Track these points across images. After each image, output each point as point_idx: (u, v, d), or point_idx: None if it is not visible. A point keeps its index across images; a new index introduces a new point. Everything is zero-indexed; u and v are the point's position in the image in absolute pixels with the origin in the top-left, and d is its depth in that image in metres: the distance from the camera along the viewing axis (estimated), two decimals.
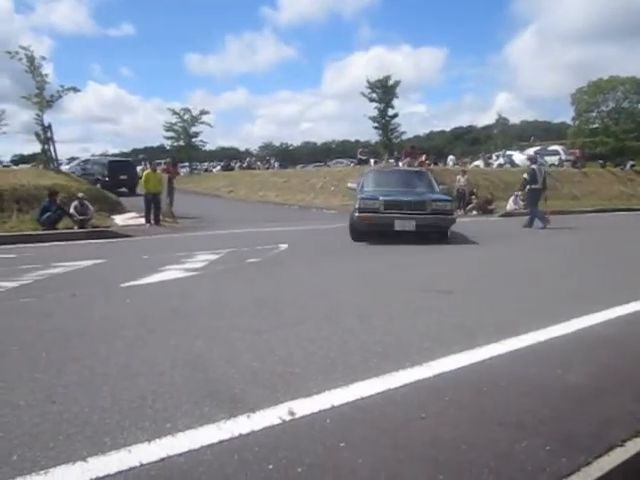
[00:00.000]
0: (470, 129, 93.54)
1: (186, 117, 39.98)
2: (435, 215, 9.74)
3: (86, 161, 28.81)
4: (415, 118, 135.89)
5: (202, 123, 40.33)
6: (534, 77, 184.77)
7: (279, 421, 2.30)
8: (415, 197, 10.28)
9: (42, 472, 1.89)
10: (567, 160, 31.93)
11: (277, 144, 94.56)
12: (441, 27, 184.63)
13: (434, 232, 10.03)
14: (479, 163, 34.84)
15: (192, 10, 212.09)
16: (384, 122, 29.61)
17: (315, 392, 2.62)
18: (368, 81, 29.13)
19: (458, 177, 20.08)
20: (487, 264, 7.65)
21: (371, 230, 10.03)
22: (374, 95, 29.30)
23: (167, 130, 40.71)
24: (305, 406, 2.45)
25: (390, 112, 29.65)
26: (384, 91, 29.09)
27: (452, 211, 10.33)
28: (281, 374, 2.91)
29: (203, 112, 40.19)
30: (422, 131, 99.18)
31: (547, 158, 31.51)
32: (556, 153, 33.51)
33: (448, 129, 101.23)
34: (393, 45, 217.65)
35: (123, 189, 24.27)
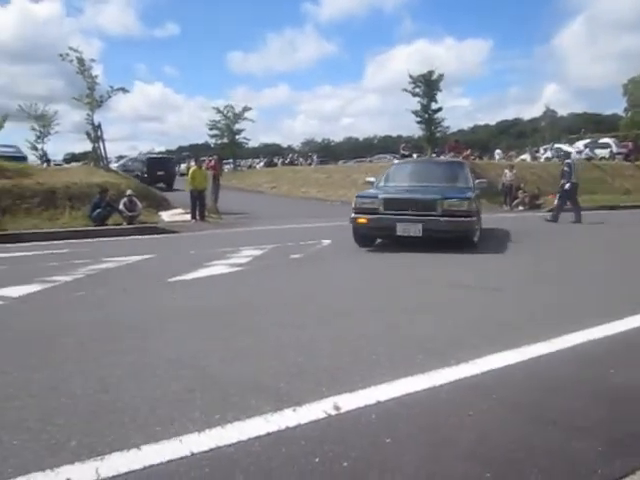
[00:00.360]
0: (516, 122, 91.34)
1: (229, 114, 40.44)
2: (447, 217, 7.71)
3: (121, 157, 29.83)
4: (459, 112, 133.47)
5: (245, 119, 40.71)
6: (583, 68, 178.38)
7: (325, 415, 2.32)
8: (424, 194, 8.28)
9: (99, 458, 1.96)
10: (619, 153, 30.76)
11: (319, 140, 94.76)
12: (485, 18, 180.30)
13: (447, 239, 7.95)
14: (526, 157, 34.00)
15: (234, 8, 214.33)
16: (427, 116, 29.18)
17: (360, 387, 2.62)
18: (411, 76, 28.74)
19: (505, 171, 19.66)
20: (534, 261, 7.47)
21: (371, 234, 8.49)
22: (417, 90, 28.92)
23: (211, 128, 41.30)
24: (350, 401, 2.46)
25: (433, 106, 29.20)
26: (427, 85, 28.63)
27: (471, 212, 7.87)
28: (326, 369, 2.93)
29: (246, 109, 40.56)
30: (466, 125, 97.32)
31: (597, 151, 30.47)
32: (607, 146, 32.34)
33: (493, 122, 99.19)
34: (436, 38, 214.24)
35: (161, 184, 24.99)
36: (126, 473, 1.86)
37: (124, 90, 19.15)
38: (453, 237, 7.95)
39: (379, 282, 5.74)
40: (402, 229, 7.85)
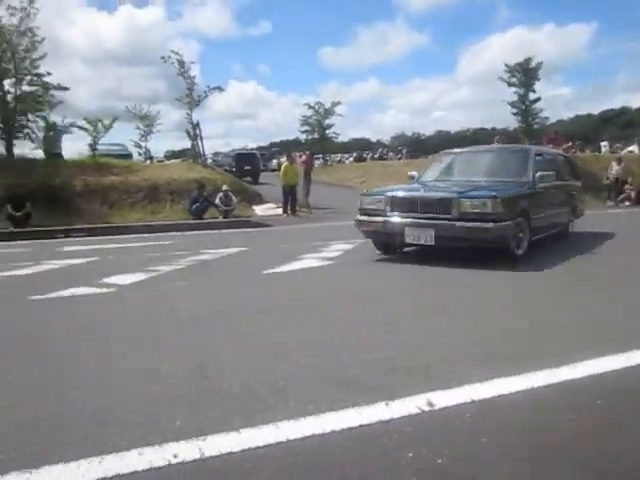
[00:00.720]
0: (623, 111, 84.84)
1: (320, 110, 40.85)
2: (464, 222, 6.04)
3: (216, 154, 31.25)
4: (558, 101, 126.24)
5: (334, 115, 40.96)
6: None
7: (418, 411, 2.31)
8: (439, 191, 6.82)
9: (201, 438, 2.08)
10: None
11: (409, 134, 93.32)
12: (588, 1, 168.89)
13: (467, 248, 6.41)
14: (633, 148, 31.53)
15: (326, 3, 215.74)
16: (524, 107, 27.87)
17: (454, 385, 2.58)
18: (506, 65, 27.56)
19: (612, 164, 18.40)
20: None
21: (381, 241, 7.09)
22: (513, 79, 27.68)
23: (302, 124, 41.94)
24: (444, 398, 2.43)
25: (531, 96, 27.83)
26: (524, 74, 27.32)
27: (499, 215, 5.98)
28: (419, 364, 2.91)
29: (335, 103, 40.79)
30: (566, 115, 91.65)
31: None
32: None
33: (596, 112, 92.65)
34: (533, 24, 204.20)
35: (247, 178, 25.89)
36: (227, 454, 1.96)
37: (220, 89, 19.94)
38: (476, 247, 6.29)
39: (478, 278, 5.59)
40: (412, 235, 6.36)
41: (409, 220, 6.43)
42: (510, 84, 27.80)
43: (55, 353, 3.30)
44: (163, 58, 18.58)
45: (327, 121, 41.22)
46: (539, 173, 7.02)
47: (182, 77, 18.50)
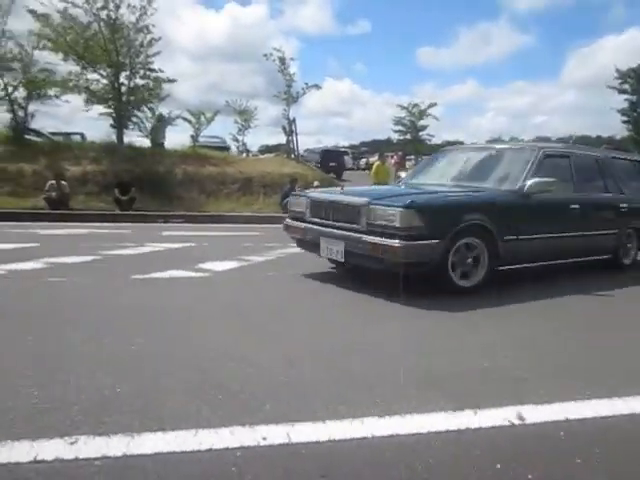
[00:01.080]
0: None
1: (414, 111, 40.39)
2: (373, 236, 4.61)
3: (306, 150, 31.87)
4: None
5: (429, 116, 40.36)
6: None
7: (507, 423, 2.24)
8: (356, 195, 5.14)
9: (289, 424, 2.14)
10: None
11: (506, 138, 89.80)
12: None
13: (377, 268, 4.85)
14: None
15: (428, 4, 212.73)
16: (635, 115, 26.05)
17: (546, 401, 2.48)
18: (618, 70, 25.88)
19: None
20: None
21: (306, 249, 5.78)
22: (625, 86, 25.93)
23: (396, 124, 41.66)
24: (535, 413, 2.35)
25: None
26: (638, 81, 25.54)
27: (412, 232, 4.46)
28: (510, 376, 2.83)
29: (431, 105, 40.18)
30: None
31: None
32: None
33: None
34: None
35: (332, 174, 26.17)
36: (314, 442, 2.01)
37: (317, 87, 20.28)
38: (384, 269, 4.73)
39: (591, 290, 5.31)
40: (326, 248, 5.11)
41: (324, 229, 5.20)
42: (621, 91, 26.09)
43: (156, 330, 3.50)
44: (265, 55, 19.20)
45: (421, 122, 40.70)
46: (533, 180, 5.29)
47: (282, 74, 19.01)
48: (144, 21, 15.86)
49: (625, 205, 6.52)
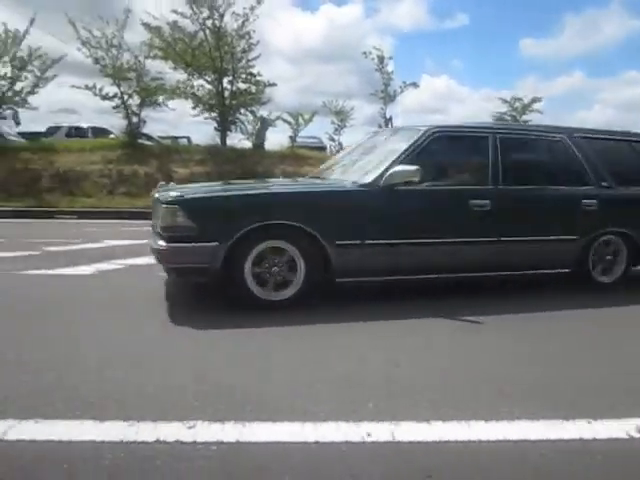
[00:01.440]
0: None
1: (516, 105, 38.66)
2: (157, 238, 4.05)
3: None
4: None
5: (532, 111, 38.47)
6: None
7: (625, 436, 2.12)
8: (178, 191, 4.20)
9: (394, 422, 2.16)
10: None
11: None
12: None
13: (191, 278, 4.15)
14: None
15: None
16: None
17: None
18: None
19: None
20: None
21: None
22: None
23: (497, 120, 40.11)
24: None
25: None
26: None
27: (176, 231, 3.80)
28: (626, 388, 2.66)
29: (535, 99, 38.28)
30: None
31: None
32: None
33: None
34: None
35: None
36: (419, 442, 2.02)
37: (415, 85, 20.05)
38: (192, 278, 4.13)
39: None
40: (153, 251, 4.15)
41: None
42: None
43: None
44: (364, 53, 19.22)
45: (524, 117, 38.91)
46: (393, 170, 4.15)
47: (379, 72, 18.97)
48: (246, 27, 16.47)
49: (593, 202, 4.78)
